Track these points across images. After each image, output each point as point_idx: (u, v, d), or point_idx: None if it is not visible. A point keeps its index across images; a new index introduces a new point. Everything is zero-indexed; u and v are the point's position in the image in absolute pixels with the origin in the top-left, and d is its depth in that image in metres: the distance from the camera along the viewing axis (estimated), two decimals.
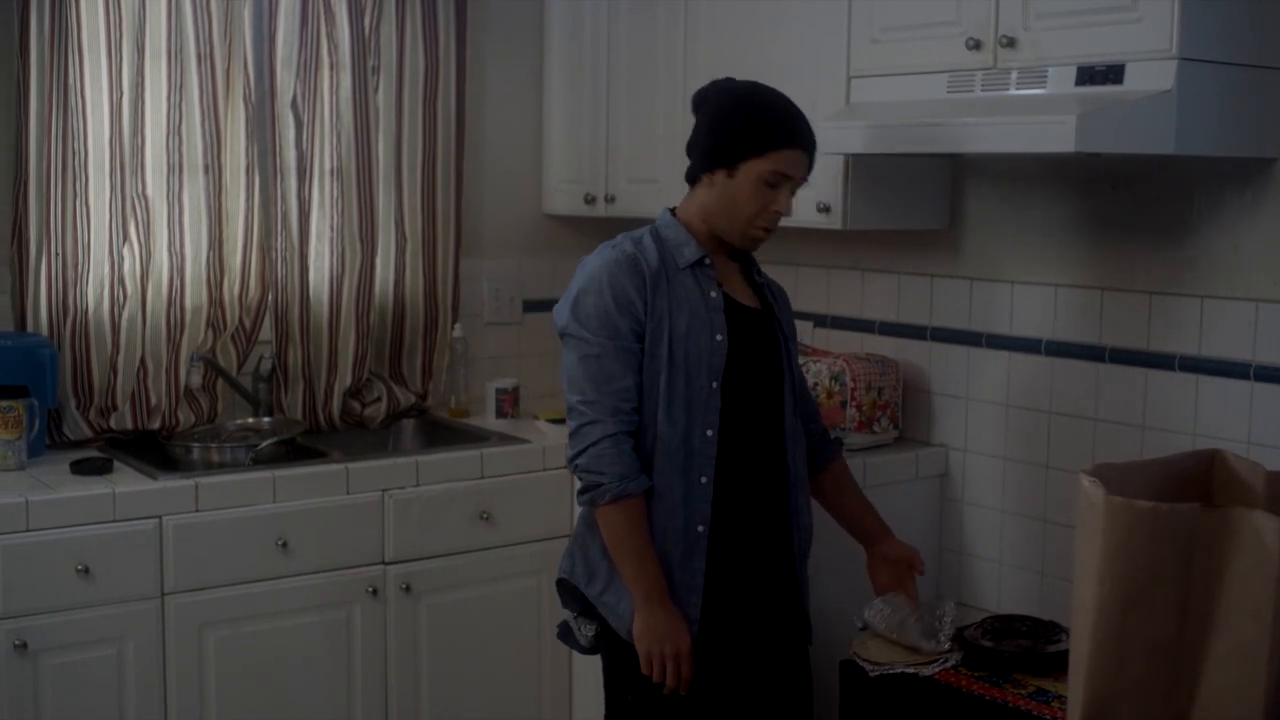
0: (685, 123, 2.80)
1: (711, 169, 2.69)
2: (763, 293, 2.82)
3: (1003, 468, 3.48)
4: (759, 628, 2.76)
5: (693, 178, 2.75)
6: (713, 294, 2.68)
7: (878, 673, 2.97)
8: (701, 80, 2.82)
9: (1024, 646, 3.01)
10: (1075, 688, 2.44)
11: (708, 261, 2.71)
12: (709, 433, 2.64)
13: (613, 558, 2.64)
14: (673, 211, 2.78)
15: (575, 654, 3.05)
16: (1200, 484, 2.61)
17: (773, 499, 2.76)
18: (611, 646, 2.73)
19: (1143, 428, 3.16)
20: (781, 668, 2.81)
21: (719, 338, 2.66)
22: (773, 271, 4.00)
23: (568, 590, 2.79)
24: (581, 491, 2.64)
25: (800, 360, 3.58)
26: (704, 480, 2.65)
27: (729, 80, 2.79)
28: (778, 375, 2.78)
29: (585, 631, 2.77)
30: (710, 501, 2.65)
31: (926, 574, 3.58)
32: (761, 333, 2.76)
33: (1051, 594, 3.32)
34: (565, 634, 2.85)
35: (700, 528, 2.65)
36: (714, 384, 2.65)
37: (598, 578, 2.70)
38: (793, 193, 2.71)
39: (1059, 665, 2.86)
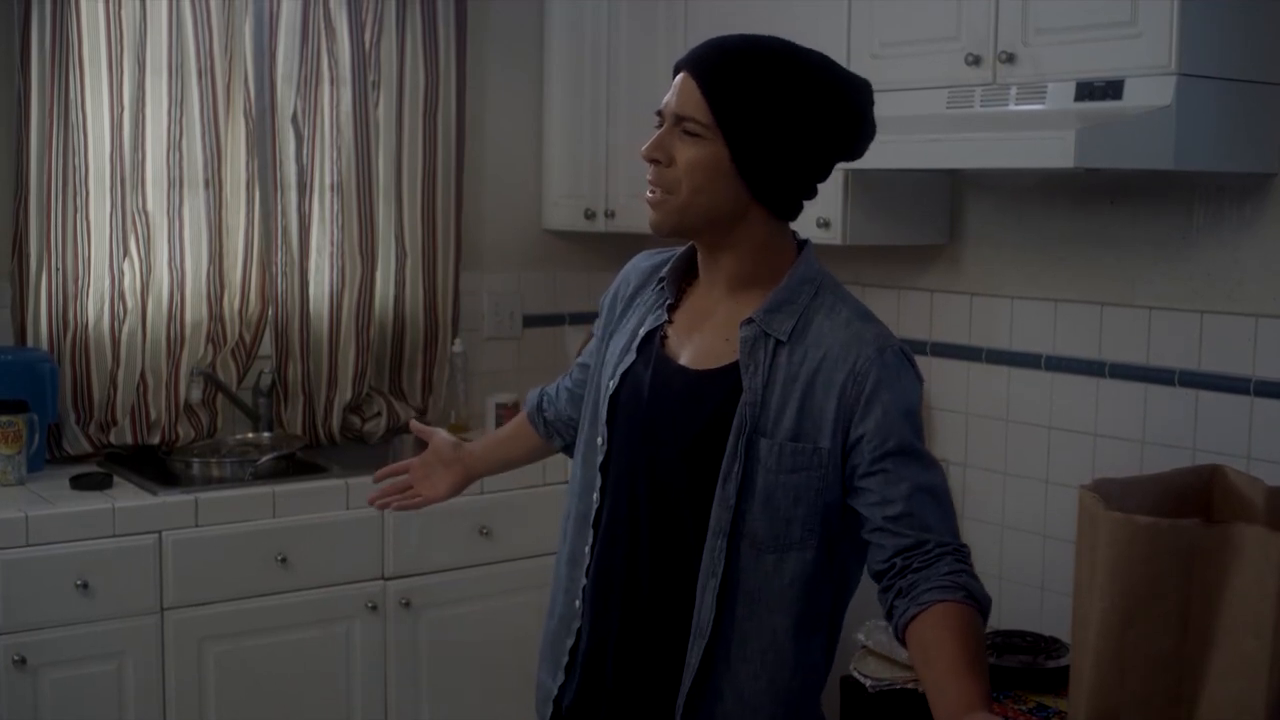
0: None
1: None
2: (758, 355, 1.92)
3: (1003, 483, 3.47)
4: None
5: None
6: (643, 329, 2.04)
7: (877, 688, 2.97)
8: None
9: (1024, 662, 3.01)
10: (1076, 703, 2.44)
11: (663, 283, 2.06)
12: (594, 495, 2.05)
13: None
14: None
15: None
16: (1200, 499, 2.61)
17: (651, 629, 1.99)
18: None
19: (1142, 443, 3.15)
20: None
21: (610, 383, 2.04)
22: None
23: None
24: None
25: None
26: (586, 549, 2.07)
27: None
28: (701, 468, 1.93)
29: None
30: (588, 575, 2.06)
31: None
32: (693, 404, 1.96)
33: (1052, 609, 3.31)
34: None
35: (577, 603, 2.07)
36: (598, 439, 2.04)
37: None
38: (668, 126, 1.93)
39: (1059, 681, 2.86)
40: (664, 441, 1.97)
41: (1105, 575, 2.32)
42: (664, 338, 2.02)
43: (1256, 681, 2.24)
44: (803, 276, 1.96)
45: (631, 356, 2.03)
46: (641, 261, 2.15)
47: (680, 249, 2.08)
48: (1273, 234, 2.92)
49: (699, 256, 2.02)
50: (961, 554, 1.87)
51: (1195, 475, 2.66)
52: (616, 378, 2.03)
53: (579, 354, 2.30)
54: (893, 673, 2.99)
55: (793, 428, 1.89)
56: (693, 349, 2.00)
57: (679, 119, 1.91)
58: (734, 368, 1.93)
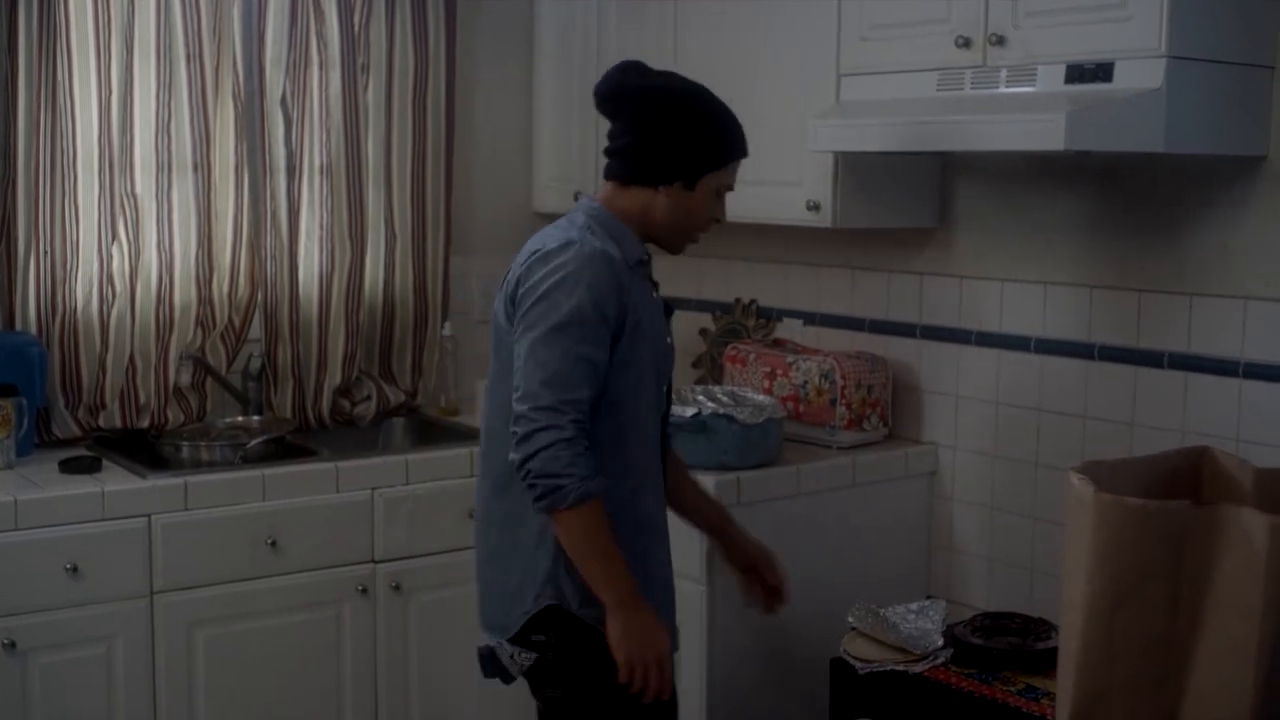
0: None
1: (670, 181, 2.56)
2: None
3: (992, 465, 3.48)
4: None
5: (637, 181, 2.59)
6: (655, 294, 2.62)
7: (867, 670, 2.97)
8: (693, 78, 2.79)
9: (1013, 644, 3.01)
10: (1065, 684, 2.45)
11: (647, 259, 2.61)
12: (656, 446, 2.65)
13: (577, 564, 2.47)
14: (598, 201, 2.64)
15: None
16: (1189, 481, 2.62)
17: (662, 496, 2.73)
18: (580, 669, 2.56)
19: (1132, 425, 3.16)
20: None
21: (669, 340, 2.65)
22: (763, 270, 4.04)
23: (548, 621, 2.58)
24: (537, 498, 2.41)
25: (790, 359, 3.59)
26: (656, 484, 2.66)
27: (670, 79, 2.65)
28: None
29: (522, 660, 2.64)
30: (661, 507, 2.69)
31: (918, 571, 3.60)
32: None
33: (1041, 591, 3.32)
34: (492, 663, 2.72)
35: (664, 525, 2.69)
36: (663, 387, 2.64)
37: (591, 597, 2.50)
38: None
39: (1048, 662, 2.87)
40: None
41: (1095, 557, 2.32)
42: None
43: (1245, 663, 2.25)
44: None
45: (664, 318, 2.62)
46: (617, 255, 2.50)
47: (593, 229, 2.54)
48: (1263, 216, 2.93)
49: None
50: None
51: (1184, 457, 2.66)
52: (670, 336, 2.65)
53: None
54: (882, 654, 2.99)
55: None
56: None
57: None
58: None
